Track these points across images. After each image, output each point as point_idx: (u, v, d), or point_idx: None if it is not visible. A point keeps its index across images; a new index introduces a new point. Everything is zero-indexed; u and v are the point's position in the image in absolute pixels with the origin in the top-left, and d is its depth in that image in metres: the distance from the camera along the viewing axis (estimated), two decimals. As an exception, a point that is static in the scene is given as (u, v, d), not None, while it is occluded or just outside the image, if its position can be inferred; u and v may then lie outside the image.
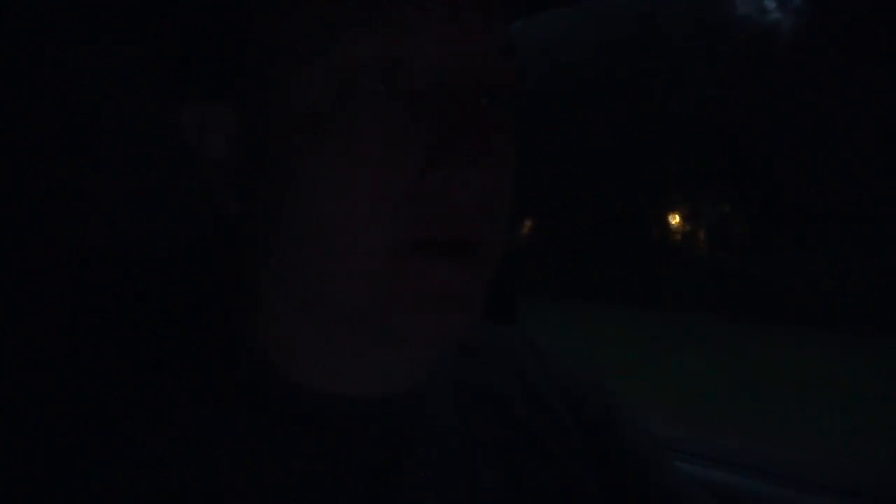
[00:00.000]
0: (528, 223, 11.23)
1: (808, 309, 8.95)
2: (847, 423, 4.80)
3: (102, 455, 0.38)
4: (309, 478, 0.41)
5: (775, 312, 9.01)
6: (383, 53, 0.37)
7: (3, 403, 0.42)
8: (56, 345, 0.47)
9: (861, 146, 8.42)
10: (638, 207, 10.91)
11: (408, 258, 0.38)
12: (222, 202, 0.42)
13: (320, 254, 0.38)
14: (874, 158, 8.46)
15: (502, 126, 0.40)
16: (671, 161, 10.36)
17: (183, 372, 0.43)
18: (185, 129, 0.43)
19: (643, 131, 10.23)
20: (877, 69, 8.07)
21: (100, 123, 0.52)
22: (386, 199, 0.37)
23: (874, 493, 0.87)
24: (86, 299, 0.49)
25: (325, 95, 0.37)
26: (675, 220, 11.12)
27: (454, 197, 0.37)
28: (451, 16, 0.38)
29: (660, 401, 5.13)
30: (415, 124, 0.37)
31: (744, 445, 4.24)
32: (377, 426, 0.43)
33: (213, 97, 0.42)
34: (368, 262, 0.38)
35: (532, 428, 0.51)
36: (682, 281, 10.02)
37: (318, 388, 0.43)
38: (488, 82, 0.39)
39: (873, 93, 8.14)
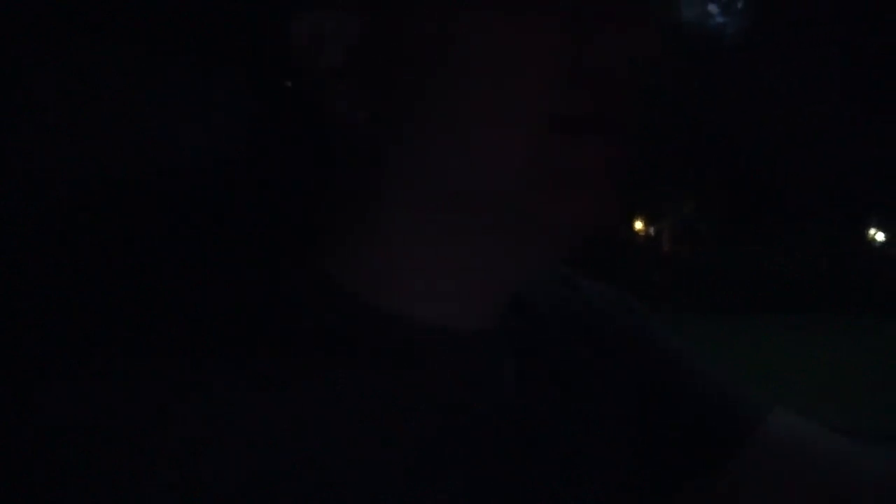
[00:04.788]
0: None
1: (776, 296, 9.24)
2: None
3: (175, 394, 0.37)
4: (379, 407, 0.40)
5: (745, 302, 9.27)
6: None
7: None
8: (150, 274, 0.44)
9: (809, 138, 8.71)
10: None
11: (556, 136, 0.37)
12: (341, 111, 0.40)
13: (463, 144, 0.37)
14: (821, 149, 8.76)
15: None
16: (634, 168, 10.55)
17: (264, 308, 0.41)
18: (297, 37, 0.40)
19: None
20: (822, 63, 8.38)
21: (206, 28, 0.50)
22: (540, 74, 0.36)
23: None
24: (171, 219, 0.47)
25: None
26: (639, 223, 11.33)
27: (610, 67, 0.36)
28: None
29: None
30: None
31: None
32: (459, 359, 0.43)
33: (331, 5, 0.40)
34: (517, 143, 0.37)
35: (591, 386, 0.51)
36: (652, 280, 10.22)
37: (406, 316, 0.41)
38: None
39: (820, 87, 8.44)
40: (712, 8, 11.68)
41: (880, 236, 10.61)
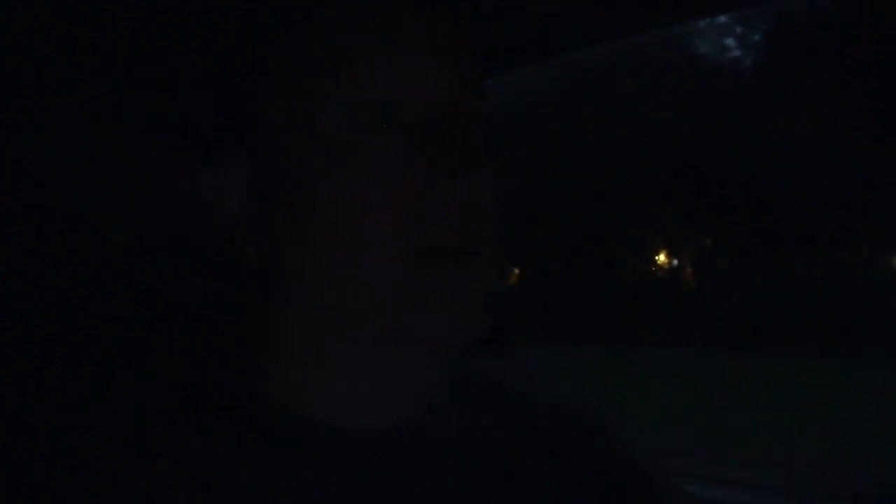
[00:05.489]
0: (516, 271, 11.29)
1: (791, 331, 9.15)
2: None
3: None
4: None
5: (763, 337, 9.18)
6: (383, 96, 0.44)
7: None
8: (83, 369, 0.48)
9: (833, 174, 8.66)
10: (625, 248, 11.10)
11: (419, 265, 0.43)
12: (242, 250, 0.47)
13: (343, 272, 0.44)
14: (835, 182, 8.69)
15: (482, 150, 0.47)
16: (652, 202, 10.58)
17: (196, 405, 0.46)
18: (203, 189, 0.48)
19: (621, 176, 10.45)
20: (835, 99, 8.35)
21: (126, 181, 0.56)
22: (396, 216, 0.43)
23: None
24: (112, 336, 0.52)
25: (333, 140, 0.44)
26: (661, 257, 11.30)
27: (452, 209, 0.43)
28: (438, 63, 0.46)
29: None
30: (414, 152, 0.44)
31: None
32: (378, 460, 0.46)
33: (230, 160, 0.48)
34: (386, 271, 0.43)
35: (531, 465, 0.52)
36: (672, 315, 10.16)
37: (326, 422, 0.46)
38: (470, 114, 0.47)
39: (833, 121, 8.41)
40: (729, 42, 11.76)
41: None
